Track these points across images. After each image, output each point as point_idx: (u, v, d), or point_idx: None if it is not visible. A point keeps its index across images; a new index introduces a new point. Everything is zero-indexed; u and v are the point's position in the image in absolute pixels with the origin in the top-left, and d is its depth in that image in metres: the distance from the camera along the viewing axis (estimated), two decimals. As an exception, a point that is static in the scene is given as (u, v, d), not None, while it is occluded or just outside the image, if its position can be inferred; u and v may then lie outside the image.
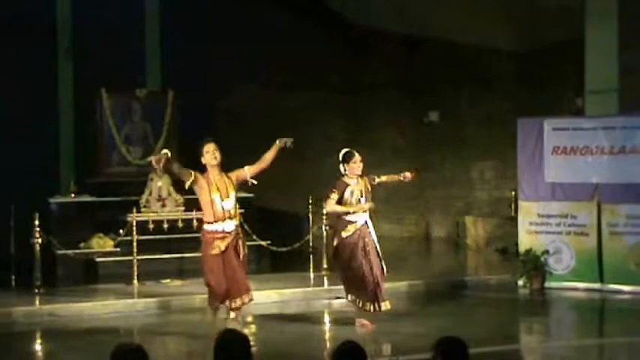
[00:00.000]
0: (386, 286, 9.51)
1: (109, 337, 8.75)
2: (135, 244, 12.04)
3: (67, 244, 12.72)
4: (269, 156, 9.05)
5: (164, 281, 12.01)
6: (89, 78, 14.42)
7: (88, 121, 14.46)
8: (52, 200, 13.52)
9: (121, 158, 14.31)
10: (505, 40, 15.86)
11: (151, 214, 13.01)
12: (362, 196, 9.23)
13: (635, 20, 12.55)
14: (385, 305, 9.22)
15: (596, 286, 11.52)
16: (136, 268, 11.84)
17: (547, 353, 9.10)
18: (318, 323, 10.11)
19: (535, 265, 11.77)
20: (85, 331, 9.64)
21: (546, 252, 11.78)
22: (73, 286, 11.91)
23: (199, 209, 9.28)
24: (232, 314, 9.07)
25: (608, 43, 12.33)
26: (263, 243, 12.73)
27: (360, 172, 9.27)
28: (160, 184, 13.35)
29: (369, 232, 9.28)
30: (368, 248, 9.20)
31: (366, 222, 9.29)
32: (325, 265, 12.10)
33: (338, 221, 9.36)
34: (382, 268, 9.28)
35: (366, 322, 9.22)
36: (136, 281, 11.79)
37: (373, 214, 9.56)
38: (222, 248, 8.83)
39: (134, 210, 12.35)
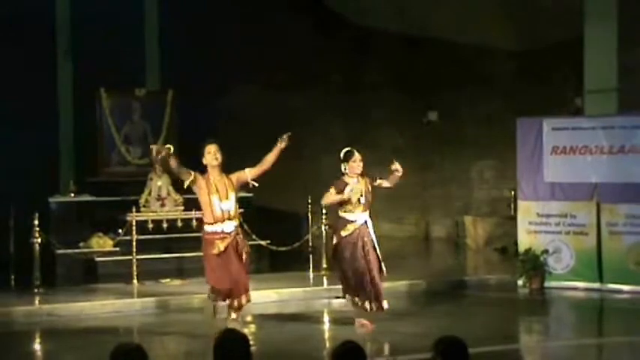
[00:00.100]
0: (385, 285, 9.51)
1: (109, 337, 8.75)
2: (134, 243, 12.04)
3: (66, 244, 12.73)
4: (270, 158, 9.05)
5: (163, 281, 12.02)
6: (88, 78, 14.41)
7: (88, 120, 14.46)
8: (51, 200, 13.52)
9: (120, 158, 14.34)
10: (505, 40, 15.86)
11: (151, 214, 13.02)
12: (362, 196, 9.23)
13: (635, 20, 12.55)
14: (383, 305, 9.22)
15: (596, 285, 11.52)
16: (135, 268, 11.84)
17: (546, 353, 9.10)
18: (317, 323, 10.10)
19: (534, 265, 11.78)
20: (84, 331, 9.64)
21: (546, 251, 11.79)
22: (72, 286, 11.92)
23: (199, 209, 9.29)
24: (233, 315, 9.07)
25: (608, 42, 12.32)
26: (262, 243, 12.73)
27: (359, 171, 9.27)
28: (159, 183, 13.36)
29: (369, 232, 9.28)
30: (367, 248, 9.20)
31: (365, 221, 9.29)
32: (325, 265, 12.10)
33: (337, 220, 9.36)
34: (381, 268, 9.29)
35: (365, 321, 9.22)
36: (135, 281, 11.79)
37: (373, 213, 9.55)
38: (222, 248, 8.83)
39: (133, 209, 12.35)
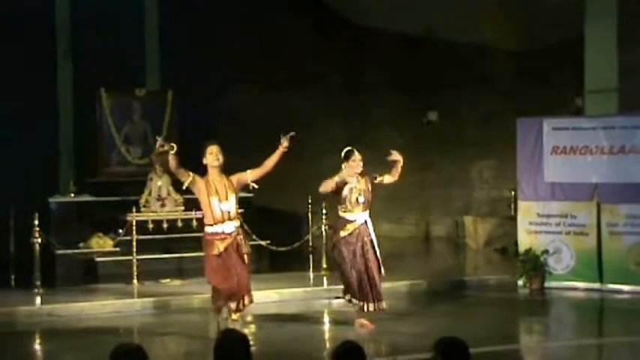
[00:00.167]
0: (386, 286, 9.51)
1: (109, 337, 8.75)
2: (134, 243, 12.04)
3: (66, 244, 12.73)
4: (271, 161, 9.02)
5: (163, 281, 12.01)
6: (89, 78, 14.41)
7: (88, 120, 14.45)
8: (51, 200, 13.51)
9: (120, 158, 14.33)
10: (505, 40, 15.86)
11: (151, 214, 13.01)
12: (360, 195, 9.23)
13: (635, 20, 12.55)
14: (382, 305, 9.22)
15: (596, 285, 11.52)
16: (135, 268, 11.84)
17: (547, 353, 9.10)
18: (317, 323, 10.10)
19: (535, 265, 11.78)
20: (84, 331, 9.64)
21: (546, 252, 11.79)
22: (72, 286, 11.91)
23: (199, 209, 9.27)
24: (234, 316, 9.04)
25: (608, 42, 12.32)
26: (262, 243, 12.72)
27: (359, 171, 9.27)
28: (159, 183, 13.35)
29: (369, 232, 9.28)
30: (367, 248, 9.20)
31: (365, 221, 9.29)
32: (325, 265, 12.10)
33: (337, 220, 9.37)
34: (380, 268, 9.28)
35: (365, 322, 9.22)
36: (135, 281, 11.79)
37: (373, 213, 9.55)
38: (222, 249, 8.81)
39: (134, 210, 12.35)
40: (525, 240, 12.01)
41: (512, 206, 14.00)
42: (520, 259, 11.95)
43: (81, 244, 12.94)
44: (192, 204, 11.04)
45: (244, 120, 16.34)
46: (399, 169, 9.41)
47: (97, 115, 14.29)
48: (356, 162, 9.23)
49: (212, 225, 8.81)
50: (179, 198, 13.17)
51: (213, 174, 8.85)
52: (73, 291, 11.53)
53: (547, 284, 11.76)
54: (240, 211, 9.16)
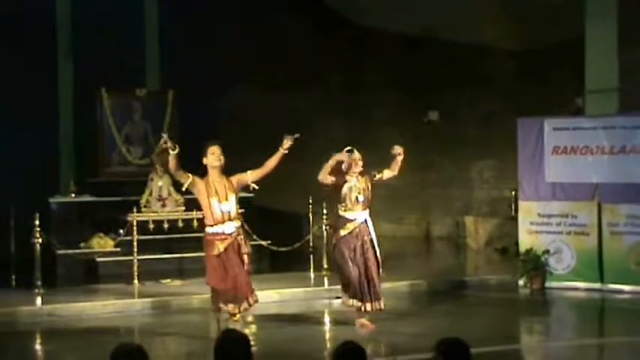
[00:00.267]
0: (386, 286, 9.51)
1: (109, 337, 8.75)
2: (135, 244, 12.04)
3: (67, 244, 12.73)
4: (272, 162, 9.00)
5: (164, 281, 12.01)
6: (89, 78, 14.42)
7: (88, 120, 14.46)
8: (52, 200, 13.51)
9: (121, 158, 14.34)
10: (505, 40, 15.86)
11: (151, 214, 13.01)
12: (360, 194, 9.23)
13: (635, 19, 12.54)
14: (380, 304, 9.21)
15: (597, 285, 11.52)
16: (136, 268, 11.84)
17: (547, 353, 9.10)
18: (318, 323, 10.11)
19: (535, 265, 11.77)
20: (85, 331, 9.64)
21: (547, 252, 11.78)
22: (73, 286, 11.92)
23: (200, 209, 9.26)
24: (236, 316, 9.02)
25: (608, 42, 12.31)
26: (263, 243, 12.72)
27: (359, 170, 9.27)
28: (160, 183, 13.35)
29: (369, 231, 9.28)
30: (366, 247, 9.20)
31: (365, 220, 9.29)
32: (325, 265, 12.09)
33: (337, 220, 9.37)
34: (379, 268, 9.28)
35: (366, 322, 9.21)
36: (136, 281, 11.79)
37: (373, 213, 9.54)
38: (222, 249, 8.81)
39: (134, 210, 12.35)
40: (526, 240, 12.00)
41: (513, 206, 14.00)
42: (521, 259, 11.94)
43: (82, 245, 12.95)
44: (193, 204, 11.03)
45: (244, 120, 16.35)
46: (399, 163, 9.39)
47: (97, 115, 14.29)
48: (356, 161, 9.23)
49: (212, 225, 8.81)
50: (180, 198, 13.17)
51: (214, 174, 8.84)
52: (73, 291, 11.53)
53: (548, 284, 11.76)
54: (240, 211, 9.16)
